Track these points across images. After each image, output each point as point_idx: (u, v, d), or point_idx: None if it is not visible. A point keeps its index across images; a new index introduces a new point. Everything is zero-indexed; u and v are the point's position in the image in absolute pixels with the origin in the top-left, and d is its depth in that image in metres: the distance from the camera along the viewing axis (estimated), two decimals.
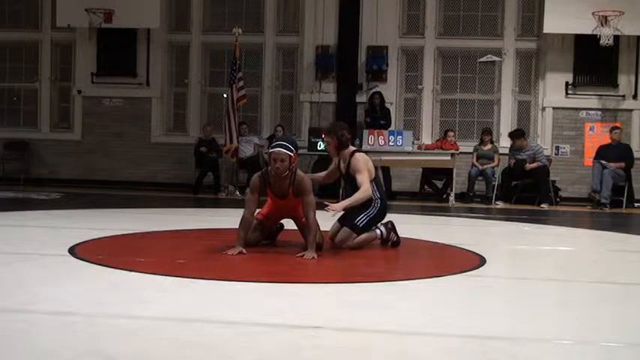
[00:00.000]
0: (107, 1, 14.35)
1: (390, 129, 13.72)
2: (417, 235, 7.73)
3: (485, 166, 13.45)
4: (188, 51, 15.47)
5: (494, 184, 13.33)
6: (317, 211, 6.09)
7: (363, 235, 6.48)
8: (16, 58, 15.99)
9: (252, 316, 3.92)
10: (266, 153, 6.02)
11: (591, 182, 13.15)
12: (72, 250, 5.97)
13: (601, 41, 13.19)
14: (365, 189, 6.30)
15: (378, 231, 6.61)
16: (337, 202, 6.93)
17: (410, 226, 8.46)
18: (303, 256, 5.82)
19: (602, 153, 13.10)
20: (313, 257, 5.79)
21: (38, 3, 15.66)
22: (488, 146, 13.67)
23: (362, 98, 14.46)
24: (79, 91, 15.51)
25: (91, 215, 9.44)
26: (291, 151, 5.99)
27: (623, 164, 13.03)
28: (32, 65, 15.90)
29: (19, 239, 6.89)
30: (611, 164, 12.89)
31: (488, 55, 14.57)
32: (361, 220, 6.43)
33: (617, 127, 13.46)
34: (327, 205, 6.26)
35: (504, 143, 14.17)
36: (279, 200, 6.21)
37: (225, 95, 13.93)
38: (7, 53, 15.96)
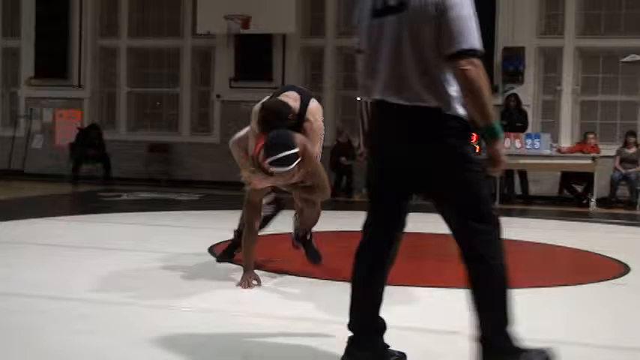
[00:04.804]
0: (244, 7, 14.71)
1: (526, 132, 13.38)
2: (556, 241, 7.53)
3: (628, 170, 12.88)
4: (322, 55, 15.62)
5: (638, 189, 12.75)
6: None
7: None
8: (159, 64, 16.66)
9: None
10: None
11: None
12: (211, 250, 6.19)
13: None
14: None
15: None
16: None
17: (550, 232, 8.25)
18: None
19: None
20: (255, 284, 4.79)
21: (180, 12, 16.24)
22: (633, 149, 13.06)
23: (497, 100, 14.16)
24: (218, 96, 15.97)
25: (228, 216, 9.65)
26: (294, 157, 4.67)
27: None
28: (174, 71, 16.52)
29: (163, 240, 7.19)
30: None
31: (632, 55, 13.96)
32: None
33: None
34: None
35: None
36: None
37: (358, 98, 13.94)
38: (149, 60, 16.65)
